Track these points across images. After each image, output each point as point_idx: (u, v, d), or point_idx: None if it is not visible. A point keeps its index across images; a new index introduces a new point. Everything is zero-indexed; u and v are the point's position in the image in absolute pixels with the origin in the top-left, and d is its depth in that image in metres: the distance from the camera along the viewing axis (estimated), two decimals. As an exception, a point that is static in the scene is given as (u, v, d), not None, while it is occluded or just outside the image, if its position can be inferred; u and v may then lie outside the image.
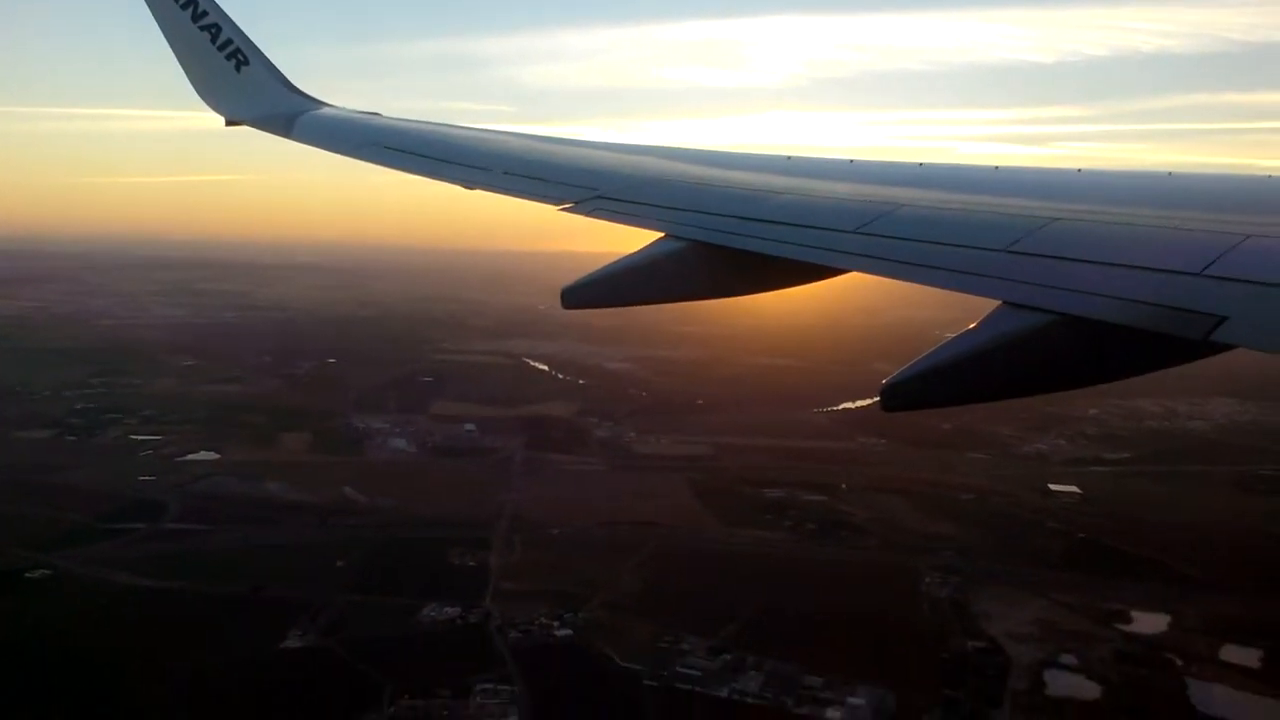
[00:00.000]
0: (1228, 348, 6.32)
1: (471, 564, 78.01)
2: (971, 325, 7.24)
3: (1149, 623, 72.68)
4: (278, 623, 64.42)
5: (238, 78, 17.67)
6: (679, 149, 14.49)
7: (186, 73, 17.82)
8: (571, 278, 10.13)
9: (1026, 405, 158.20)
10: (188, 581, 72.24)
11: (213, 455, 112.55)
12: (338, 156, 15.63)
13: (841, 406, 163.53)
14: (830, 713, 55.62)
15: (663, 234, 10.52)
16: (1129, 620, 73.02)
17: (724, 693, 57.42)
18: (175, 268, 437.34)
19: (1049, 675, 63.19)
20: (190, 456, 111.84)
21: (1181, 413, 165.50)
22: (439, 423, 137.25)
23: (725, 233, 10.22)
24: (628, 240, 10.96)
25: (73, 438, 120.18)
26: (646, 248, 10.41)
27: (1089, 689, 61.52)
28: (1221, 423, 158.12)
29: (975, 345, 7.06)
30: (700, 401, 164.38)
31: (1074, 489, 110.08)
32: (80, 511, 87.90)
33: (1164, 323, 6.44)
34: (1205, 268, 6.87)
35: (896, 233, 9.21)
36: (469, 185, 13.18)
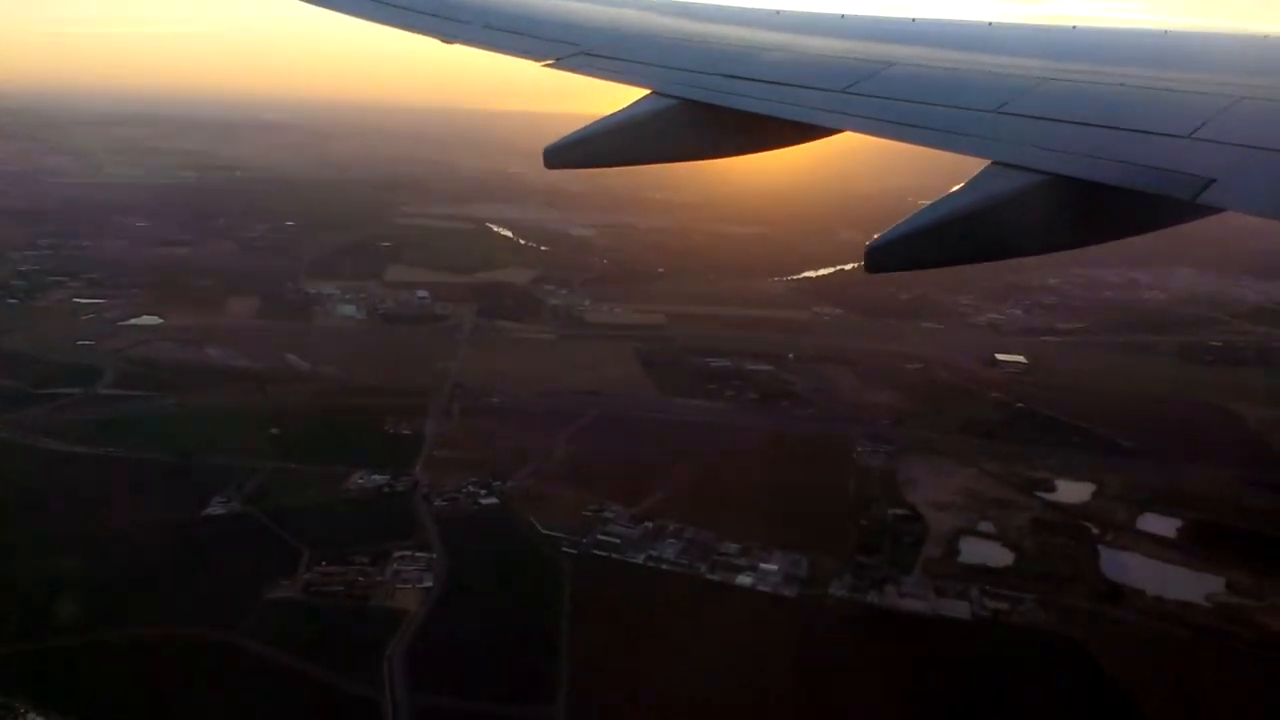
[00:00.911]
0: (1217, 210, 6.37)
1: (407, 432, 77.99)
2: (957, 186, 7.18)
3: (1073, 491, 73.99)
4: (203, 490, 64.42)
5: None
6: (663, 2, 14.16)
7: None
8: (549, 138, 9.90)
9: (989, 275, 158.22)
10: (116, 448, 72.02)
11: (155, 320, 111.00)
12: (310, 7, 14.86)
13: (803, 275, 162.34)
14: (741, 578, 56.62)
15: (649, 91, 10.31)
16: (1053, 489, 74.26)
17: (640, 559, 58.26)
18: (136, 124, 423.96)
19: (964, 543, 64.44)
20: (133, 321, 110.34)
21: (1142, 282, 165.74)
22: (391, 289, 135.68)
23: (713, 90, 10.02)
24: (611, 103, 10.66)
25: (14, 300, 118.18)
26: (632, 105, 10.22)
27: (1002, 556, 62.84)
28: (1180, 293, 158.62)
29: (963, 205, 7.06)
30: (661, 270, 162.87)
31: (1020, 359, 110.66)
32: (14, 376, 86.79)
33: (1154, 184, 6.46)
34: (1195, 130, 6.91)
35: (887, 92, 9.12)
36: (447, 39, 12.59)
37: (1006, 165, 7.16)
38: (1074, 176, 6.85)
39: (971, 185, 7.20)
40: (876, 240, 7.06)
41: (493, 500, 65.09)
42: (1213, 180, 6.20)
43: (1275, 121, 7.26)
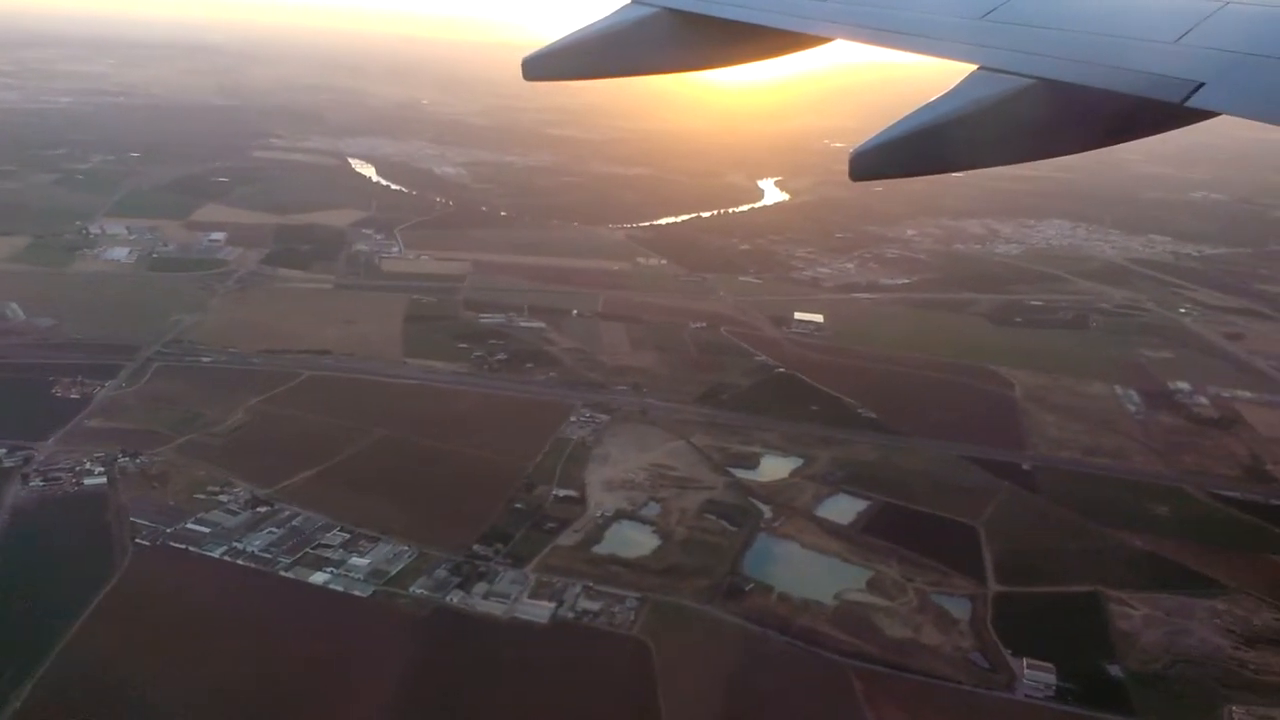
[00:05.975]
0: (1206, 115, 6.43)
1: (75, 396, 72.11)
2: (933, 98, 7.21)
3: (774, 469, 69.54)
4: None
5: None
6: None
7: None
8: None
9: (847, 224, 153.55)
10: None
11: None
12: None
13: (650, 222, 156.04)
14: (317, 575, 51.63)
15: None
16: (755, 465, 69.84)
17: (218, 553, 53.06)
18: (48, 45, 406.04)
19: (615, 529, 59.80)
20: None
21: (1004, 235, 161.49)
22: (189, 230, 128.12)
23: None
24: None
25: None
26: (612, 14, 10.25)
27: (643, 545, 58.21)
28: (1036, 246, 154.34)
29: (948, 110, 7.00)
30: (504, 213, 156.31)
31: (818, 318, 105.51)
32: None
33: (1142, 87, 6.39)
34: (1183, 35, 6.90)
35: (873, 0, 9.25)
36: None
37: (993, 70, 7.16)
38: (1060, 80, 6.81)
39: (957, 90, 7.13)
40: (860, 146, 6.95)
41: (100, 480, 59.46)
42: (1202, 84, 6.15)
43: (1264, 26, 7.04)
